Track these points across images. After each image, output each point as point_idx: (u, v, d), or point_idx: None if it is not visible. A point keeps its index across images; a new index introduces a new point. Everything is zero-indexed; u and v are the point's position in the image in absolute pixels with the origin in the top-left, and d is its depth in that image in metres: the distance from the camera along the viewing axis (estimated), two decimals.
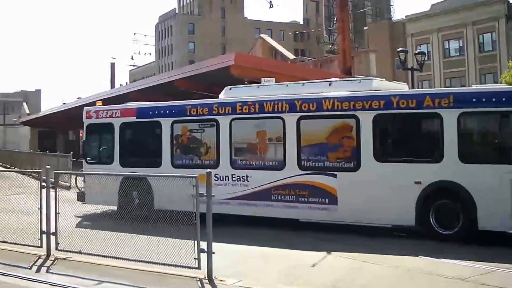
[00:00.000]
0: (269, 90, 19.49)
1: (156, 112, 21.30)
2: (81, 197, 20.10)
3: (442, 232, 15.69)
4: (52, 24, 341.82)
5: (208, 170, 11.64)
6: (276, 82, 20.82)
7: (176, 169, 19.60)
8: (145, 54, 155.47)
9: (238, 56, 28.19)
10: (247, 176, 18.76)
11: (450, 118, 15.71)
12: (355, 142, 17.02)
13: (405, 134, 17.52)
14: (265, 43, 62.26)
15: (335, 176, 17.15)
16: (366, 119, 16.87)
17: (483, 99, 15.56)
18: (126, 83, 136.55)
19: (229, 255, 13.50)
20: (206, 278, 11.25)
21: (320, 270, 12.90)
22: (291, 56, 54.71)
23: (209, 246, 11.24)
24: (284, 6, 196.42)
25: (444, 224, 15.73)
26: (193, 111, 20.27)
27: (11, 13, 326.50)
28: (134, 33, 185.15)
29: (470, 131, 16.43)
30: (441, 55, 73.72)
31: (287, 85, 19.50)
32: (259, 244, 15.76)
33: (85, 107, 23.73)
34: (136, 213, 13.85)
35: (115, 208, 18.29)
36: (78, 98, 77.56)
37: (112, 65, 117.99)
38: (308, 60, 47.33)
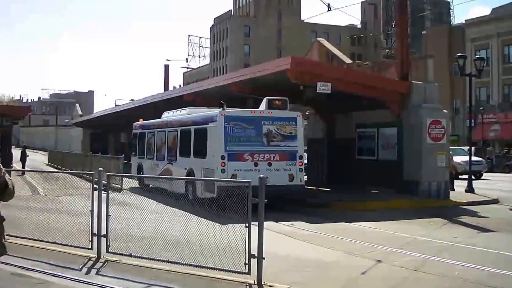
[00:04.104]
0: (173, 113, 31.78)
1: (144, 126, 35.90)
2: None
3: (190, 198, 22.74)
4: (107, 26, 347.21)
5: (262, 176, 11.47)
6: (331, 87, 26.45)
7: (147, 160, 34.23)
8: (199, 57, 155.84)
9: (294, 60, 27.63)
10: (158, 165, 31.70)
11: (193, 130, 26.95)
12: (176, 145, 29.12)
13: (187, 140, 27.60)
14: (321, 47, 61.74)
15: (172, 164, 29.47)
16: (179, 131, 29.02)
17: (190, 121, 27.97)
18: (180, 85, 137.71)
19: (280, 260, 13.41)
20: (256, 283, 11.09)
21: (370, 278, 12.60)
22: (347, 60, 54.06)
23: (259, 251, 11.06)
24: (342, 9, 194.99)
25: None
26: (151, 126, 34.44)
27: (66, 15, 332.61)
28: (189, 35, 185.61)
29: (198, 139, 26.43)
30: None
31: (174, 112, 31.63)
32: (310, 249, 15.77)
33: (134, 122, 37.85)
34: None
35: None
36: (131, 100, 78.34)
37: (166, 67, 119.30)
38: (365, 65, 46.73)
